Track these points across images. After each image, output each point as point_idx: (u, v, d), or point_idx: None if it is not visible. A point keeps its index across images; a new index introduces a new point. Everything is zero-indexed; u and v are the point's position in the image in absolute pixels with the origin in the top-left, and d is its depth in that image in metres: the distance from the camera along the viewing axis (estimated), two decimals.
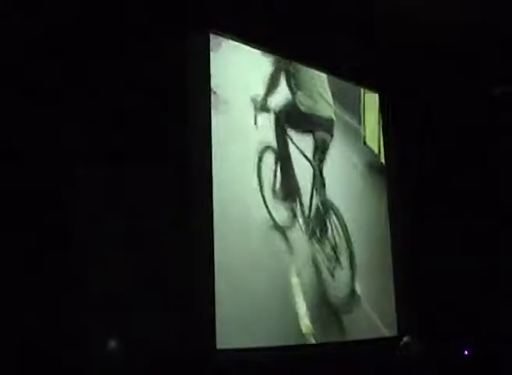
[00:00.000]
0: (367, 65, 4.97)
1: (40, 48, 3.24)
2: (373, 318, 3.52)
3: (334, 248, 3.11)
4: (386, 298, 4.95)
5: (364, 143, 4.25)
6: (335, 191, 3.41)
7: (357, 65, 4.92)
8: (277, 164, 3.03)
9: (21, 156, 3.12)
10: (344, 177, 3.80)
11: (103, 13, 3.50)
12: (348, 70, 4.95)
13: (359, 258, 4.61)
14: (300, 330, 3.08)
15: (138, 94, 3.61)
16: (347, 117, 4.01)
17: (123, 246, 3.38)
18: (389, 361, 3.80)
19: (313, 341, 3.22)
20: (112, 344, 3.26)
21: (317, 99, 3.11)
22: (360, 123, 4.22)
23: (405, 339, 3.86)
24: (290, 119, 3.05)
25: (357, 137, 4.30)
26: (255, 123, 3.04)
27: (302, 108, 3.10)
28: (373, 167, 4.30)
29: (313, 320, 3.05)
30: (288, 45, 4.51)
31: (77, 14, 3.39)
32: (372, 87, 5.30)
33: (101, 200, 3.37)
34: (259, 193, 3.18)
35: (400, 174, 5.29)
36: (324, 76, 3.49)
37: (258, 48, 4.52)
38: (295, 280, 2.96)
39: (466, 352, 4.86)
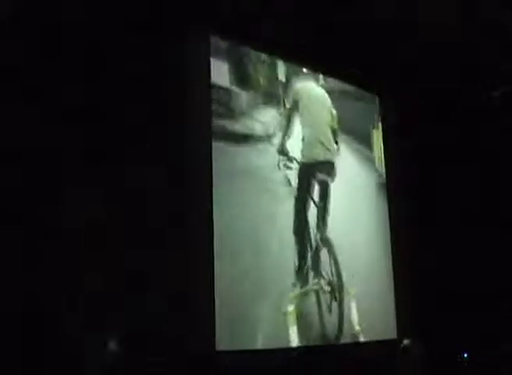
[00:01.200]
0: (367, 66, 4.96)
1: (38, 46, 3.22)
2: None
3: (330, 283, 3.26)
4: (386, 300, 4.98)
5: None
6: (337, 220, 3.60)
7: (357, 66, 4.92)
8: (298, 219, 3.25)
9: (20, 155, 3.10)
10: (348, 199, 3.96)
11: (103, 14, 3.48)
12: (348, 71, 4.96)
13: (359, 261, 4.67)
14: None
15: (138, 95, 3.59)
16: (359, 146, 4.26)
17: (123, 246, 3.36)
18: (389, 364, 3.80)
19: None
20: (112, 344, 3.25)
21: (316, 145, 3.31)
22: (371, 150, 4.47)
23: (405, 342, 3.86)
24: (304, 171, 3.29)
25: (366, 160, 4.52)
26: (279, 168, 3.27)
27: (309, 159, 3.32)
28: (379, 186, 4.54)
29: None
30: (288, 46, 4.51)
31: (77, 14, 3.37)
32: (372, 88, 5.31)
33: (100, 200, 3.35)
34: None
35: (399, 174, 5.30)
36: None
37: (258, 49, 4.53)
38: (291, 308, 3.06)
39: (465, 355, 4.87)
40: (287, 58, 4.68)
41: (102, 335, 3.24)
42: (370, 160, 4.40)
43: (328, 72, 4.92)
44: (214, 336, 3.70)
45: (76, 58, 3.36)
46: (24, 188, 3.10)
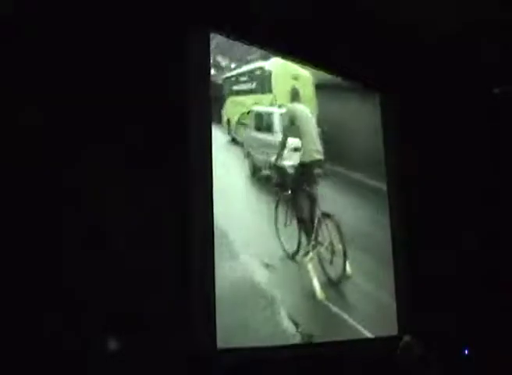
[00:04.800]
0: (367, 65, 4.96)
1: (37, 47, 3.23)
2: (367, 291, 4.41)
3: (331, 244, 4.15)
4: (386, 297, 4.96)
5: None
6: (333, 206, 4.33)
7: (357, 65, 4.92)
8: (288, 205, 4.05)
9: (19, 155, 3.12)
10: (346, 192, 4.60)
11: (102, 13, 3.49)
12: (348, 71, 4.96)
13: (358, 259, 4.70)
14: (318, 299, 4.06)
15: (137, 94, 3.60)
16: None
17: (123, 246, 3.37)
18: (389, 360, 3.80)
19: (328, 305, 4.07)
20: (111, 343, 3.26)
21: (311, 150, 4.12)
22: None
23: (405, 338, 3.86)
24: (297, 170, 4.09)
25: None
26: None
27: (303, 160, 4.09)
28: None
29: (322, 288, 4.05)
30: (288, 46, 4.52)
31: (76, 13, 3.38)
32: (372, 87, 5.31)
33: (100, 200, 3.36)
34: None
35: (399, 174, 5.30)
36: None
37: (258, 48, 4.53)
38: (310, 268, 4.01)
39: (466, 352, 4.87)
40: (287, 57, 4.70)
41: (101, 335, 3.25)
42: None
43: (329, 70, 4.93)
44: (214, 336, 3.70)
45: (75, 58, 3.37)
46: (23, 187, 3.11)
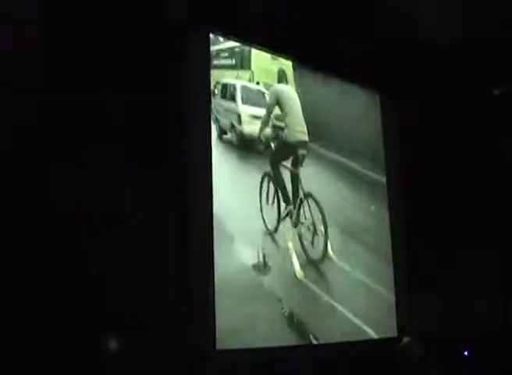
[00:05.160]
0: (367, 65, 4.96)
1: (36, 48, 3.23)
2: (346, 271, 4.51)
3: (313, 224, 4.27)
4: (386, 298, 4.99)
5: None
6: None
7: (357, 65, 4.92)
8: (271, 184, 4.19)
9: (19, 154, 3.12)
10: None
11: (102, 13, 3.49)
12: (348, 70, 4.97)
13: (359, 260, 4.79)
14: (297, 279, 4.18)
15: (137, 95, 3.60)
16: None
17: (123, 246, 3.37)
18: (389, 362, 3.80)
19: (307, 284, 4.18)
20: (111, 344, 3.26)
21: (296, 131, 4.26)
22: None
23: (405, 340, 3.86)
24: (281, 149, 4.25)
25: None
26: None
27: (289, 139, 4.27)
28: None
29: (302, 268, 4.18)
30: (288, 45, 4.52)
31: (77, 13, 3.38)
32: (372, 87, 5.31)
33: (99, 200, 3.36)
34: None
35: (399, 174, 5.30)
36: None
37: (258, 48, 4.54)
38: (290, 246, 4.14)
39: (466, 353, 4.86)
40: (287, 57, 4.70)
41: (101, 335, 3.25)
42: None
43: (329, 70, 4.93)
44: (213, 336, 3.70)
45: (75, 58, 3.37)
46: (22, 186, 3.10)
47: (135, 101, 3.58)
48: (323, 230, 4.34)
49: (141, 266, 3.41)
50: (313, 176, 4.41)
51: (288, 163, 4.26)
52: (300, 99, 4.44)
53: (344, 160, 4.79)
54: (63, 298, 3.11)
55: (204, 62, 4.08)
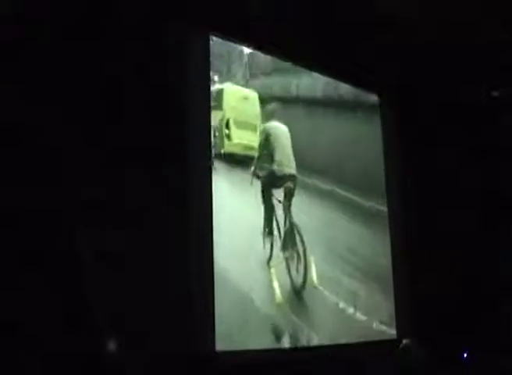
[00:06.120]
0: (367, 65, 4.96)
1: (35, 48, 3.22)
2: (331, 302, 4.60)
3: (298, 252, 4.44)
4: (386, 300, 4.99)
5: None
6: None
7: (357, 65, 4.92)
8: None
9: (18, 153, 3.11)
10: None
11: (102, 13, 3.48)
12: (348, 71, 4.97)
13: (359, 263, 4.85)
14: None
15: (137, 95, 3.60)
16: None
17: (122, 247, 3.36)
18: (389, 364, 3.80)
19: (287, 310, 4.29)
20: (111, 345, 3.25)
21: (284, 165, 4.47)
22: None
23: (404, 342, 3.86)
24: (272, 181, 4.46)
25: None
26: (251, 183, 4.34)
27: (277, 173, 4.46)
28: None
29: (283, 295, 4.29)
30: (286, 48, 4.52)
31: (77, 14, 3.37)
32: (372, 88, 5.31)
33: (99, 200, 3.35)
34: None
35: (399, 175, 5.31)
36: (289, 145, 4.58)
37: (258, 49, 4.53)
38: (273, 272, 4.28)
39: (465, 355, 4.87)
40: (287, 58, 4.69)
41: (101, 336, 3.24)
42: None
43: (328, 72, 4.93)
44: (214, 336, 3.69)
45: (74, 58, 3.36)
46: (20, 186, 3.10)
47: (135, 102, 3.58)
48: (304, 261, 4.49)
49: (141, 267, 3.40)
50: (303, 207, 4.59)
51: (280, 196, 4.45)
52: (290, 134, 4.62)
53: (339, 191, 4.94)
54: (63, 299, 3.11)
55: (204, 63, 4.08)
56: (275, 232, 4.33)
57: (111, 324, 3.25)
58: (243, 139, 4.28)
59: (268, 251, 4.24)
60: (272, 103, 4.52)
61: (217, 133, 4.09)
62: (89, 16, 3.42)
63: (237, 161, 4.24)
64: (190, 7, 3.90)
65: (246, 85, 4.45)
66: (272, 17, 4.30)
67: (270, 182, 4.36)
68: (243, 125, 4.32)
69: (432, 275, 5.01)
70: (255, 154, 4.33)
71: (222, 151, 4.11)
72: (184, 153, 3.77)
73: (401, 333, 4.84)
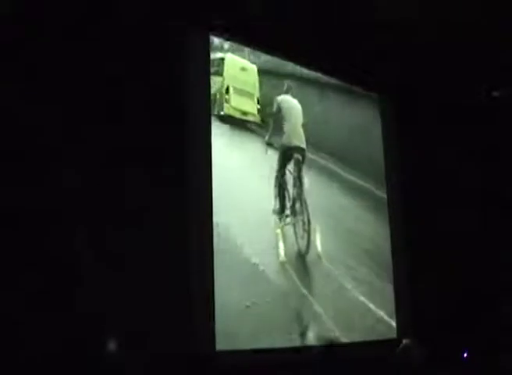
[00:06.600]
0: (367, 65, 4.96)
1: (35, 48, 3.22)
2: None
3: (304, 224, 4.66)
4: (386, 300, 5.00)
5: None
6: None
7: (357, 65, 4.92)
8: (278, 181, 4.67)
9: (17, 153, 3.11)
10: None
11: (102, 13, 3.48)
12: (348, 71, 4.97)
13: (359, 261, 4.89)
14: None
15: (137, 95, 3.60)
16: None
17: (122, 247, 3.36)
18: (389, 364, 3.79)
19: (290, 271, 4.48)
20: (111, 345, 3.25)
21: (292, 137, 4.72)
22: None
23: (404, 342, 3.86)
24: (283, 151, 4.72)
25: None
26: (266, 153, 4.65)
27: (287, 144, 4.72)
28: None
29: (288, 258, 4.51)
30: (287, 47, 4.52)
31: (77, 14, 3.37)
32: (372, 87, 5.31)
33: (98, 200, 3.35)
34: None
35: (399, 173, 5.31)
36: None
37: (258, 49, 4.53)
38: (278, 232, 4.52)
39: (465, 354, 4.87)
40: (287, 57, 4.70)
41: (101, 336, 3.24)
42: None
43: (329, 71, 4.93)
44: (213, 337, 3.69)
45: (75, 58, 3.36)
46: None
47: (135, 101, 3.58)
48: (308, 230, 4.72)
49: (141, 267, 3.40)
50: (314, 185, 4.83)
51: (291, 167, 4.72)
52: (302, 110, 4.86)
53: (350, 176, 5.17)
54: (62, 299, 3.11)
55: (203, 62, 4.08)
56: (286, 198, 4.61)
57: (111, 324, 3.25)
58: (240, 105, 4.51)
59: (276, 215, 4.52)
60: (288, 80, 4.79)
61: (218, 96, 4.31)
62: (89, 16, 3.42)
63: (236, 124, 4.47)
64: (189, 7, 3.90)
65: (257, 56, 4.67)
66: (272, 17, 4.30)
67: (282, 152, 4.64)
68: (241, 92, 4.55)
69: (432, 275, 5.01)
70: (251, 119, 4.58)
71: (222, 113, 4.34)
72: (185, 151, 3.78)
73: (401, 333, 4.83)
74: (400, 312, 4.99)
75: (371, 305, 4.90)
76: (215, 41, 4.28)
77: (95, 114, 3.40)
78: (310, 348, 4.29)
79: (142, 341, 3.32)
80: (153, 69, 3.69)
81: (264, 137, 4.60)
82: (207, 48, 4.13)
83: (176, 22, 3.82)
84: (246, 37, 4.39)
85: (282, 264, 4.39)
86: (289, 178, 4.66)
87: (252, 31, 4.32)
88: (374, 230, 5.22)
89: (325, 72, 4.96)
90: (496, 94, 5.52)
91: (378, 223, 5.27)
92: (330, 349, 4.30)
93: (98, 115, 3.42)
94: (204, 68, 4.10)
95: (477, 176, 5.37)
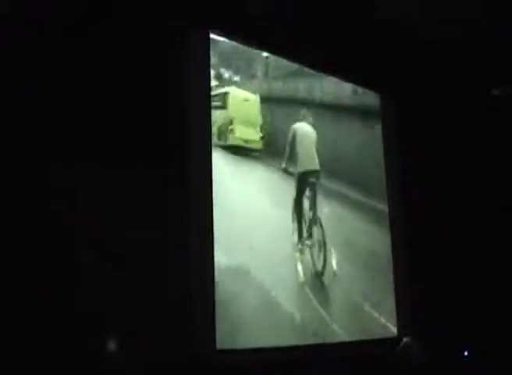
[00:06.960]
0: (367, 65, 4.97)
1: (35, 48, 3.22)
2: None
3: (319, 243, 4.85)
4: (386, 298, 4.99)
5: None
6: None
7: (357, 65, 4.92)
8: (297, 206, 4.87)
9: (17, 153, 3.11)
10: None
11: (102, 13, 3.48)
12: (348, 71, 4.97)
13: (359, 261, 4.93)
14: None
15: (137, 95, 3.60)
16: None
17: (122, 247, 3.36)
18: (389, 362, 3.80)
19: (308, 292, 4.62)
20: (111, 345, 3.25)
21: (308, 160, 4.93)
22: None
23: (405, 340, 3.86)
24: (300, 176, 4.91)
25: None
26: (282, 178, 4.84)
27: (301, 169, 4.90)
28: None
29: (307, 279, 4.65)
30: (287, 47, 4.52)
31: (77, 14, 3.37)
32: (373, 88, 5.31)
33: (97, 200, 3.35)
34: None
35: (399, 173, 5.30)
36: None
37: (258, 48, 4.53)
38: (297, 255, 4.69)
39: (466, 353, 4.87)
40: (287, 58, 4.70)
41: (101, 337, 3.24)
42: None
43: (329, 71, 4.94)
44: (214, 336, 3.68)
45: (75, 57, 3.36)
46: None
47: (134, 101, 3.58)
48: (324, 251, 4.88)
49: (141, 266, 3.40)
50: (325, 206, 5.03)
51: (306, 191, 4.95)
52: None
53: (355, 194, 5.32)
54: (62, 299, 3.11)
55: (204, 62, 4.08)
56: (303, 222, 4.80)
57: (111, 324, 3.25)
58: (244, 134, 4.64)
59: (296, 238, 4.72)
60: (303, 108, 5.02)
61: (223, 129, 4.45)
62: (89, 16, 3.42)
63: (240, 152, 4.59)
64: (189, 7, 3.90)
65: (269, 85, 4.90)
66: (272, 17, 4.30)
67: (298, 177, 4.85)
68: (244, 123, 4.69)
69: (432, 275, 5.02)
70: (254, 146, 4.71)
71: (227, 144, 4.45)
72: (184, 152, 3.78)
73: (401, 332, 4.83)
74: (400, 311, 4.99)
75: (389, 324, 4.99)
76: (225, 74, 4.51)
77: (95, 114, 3.40)
78: (310, 347, 4.29)
79: (142, 340, 3.31)
80: (153, 69, 3.69)
81: (268, 163, 4.75)
82: (207, 48, 4.12)
83: (175, 22, 3.81)
84: (246, 36, 4.38)
85: (301, 285, 4.55)
86: (306, 201, 4.87)
87: (252, 31, 4.32)
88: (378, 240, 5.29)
89: (325, 72, 4.95)
90: (496, 93, 5.53)
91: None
92: (331, 348, 4.30)
93: (98, 115, 3.41)
94: (204, 68, 4.09)
95: (477, 176, 5.37)
